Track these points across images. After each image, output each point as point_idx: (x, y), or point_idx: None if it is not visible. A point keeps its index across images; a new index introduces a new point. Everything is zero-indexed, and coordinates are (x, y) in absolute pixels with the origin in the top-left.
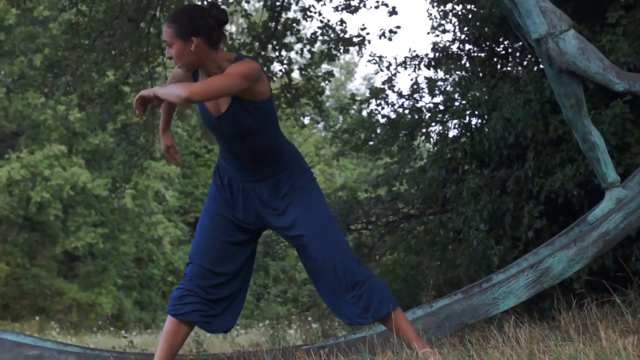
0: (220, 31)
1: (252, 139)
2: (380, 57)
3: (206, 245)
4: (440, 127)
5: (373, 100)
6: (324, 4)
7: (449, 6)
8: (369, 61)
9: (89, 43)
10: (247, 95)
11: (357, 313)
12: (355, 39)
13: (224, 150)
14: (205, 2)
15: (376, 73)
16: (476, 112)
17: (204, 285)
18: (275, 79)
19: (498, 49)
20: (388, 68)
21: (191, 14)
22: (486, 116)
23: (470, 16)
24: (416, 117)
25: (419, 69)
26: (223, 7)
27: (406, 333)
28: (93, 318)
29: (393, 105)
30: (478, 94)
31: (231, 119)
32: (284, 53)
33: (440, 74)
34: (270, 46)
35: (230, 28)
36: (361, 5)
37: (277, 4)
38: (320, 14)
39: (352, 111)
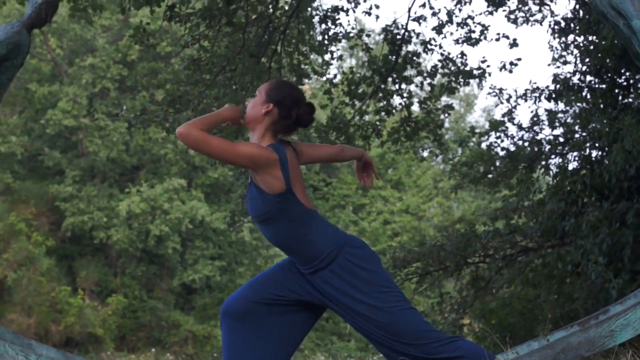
0: (292, 126)
1: (269, 227)
2: (500, 89)
3: (253, 283)
4: (560, 160)
5: (492, 133)
6: (445, 37)
7: (570, 37)
8: (489, 93)
9: (211, 78)
10: (260, 183)
11: None
12: (475, 72)
13: None
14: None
15: (496, 105)
16: (596, 145)
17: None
18: (394, 112)
19: (619, 80)
20: (508, 100)
21: (290, 91)
22: (607, 148)
23: (591, 47)
24: (536, 149)
25: (539, 100)
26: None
27: None
28: (208, 350)
29: (512, 137)
30: (599, 126)
31: (248, 199)
32: (404, 86)
33: (561, 105)
34: (390, 79)
35: (351, 62)
36: (482, 37)
37: (398, 37)
38: (440, 47)
39: (471, 144)
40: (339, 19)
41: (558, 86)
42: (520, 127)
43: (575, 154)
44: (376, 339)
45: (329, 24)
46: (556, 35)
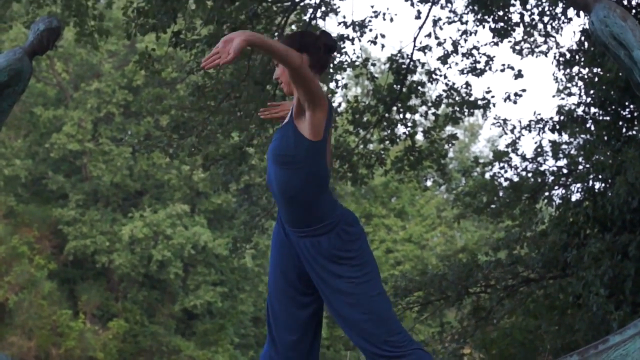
0: (327, 56)
1: (286, 172)
2: (504, 120)
3: (276, 309)
4: (563, 191)
5: (496, 163)
6: (450, 67)
7: (575, 69)
8: (494, 124)
9: (215, 105)
10: (300, 124)
11: None
12: (480, 102)
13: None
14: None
15: (500, 136)
16: (600, 176)
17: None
18: (398, 141)
19: (623, 113)
20: (512, 131)
21: (302, 34)
22: (610, 180)
23: (596, 79)
24: (539, 180)
25: (544, 132)
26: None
27: None
28: None
29: (516, 168)
30: (602, 158)
31: (280, 137)
32: (408, 116)
33: (565, 137)
34: (395, 109)
35: (356, 90)
36: (487, 68)
37: (403, 66)
38: (445, 77)
39: (475, 174)
40: (344, 47)
41: (562, 117)
42: (524, 157)
43: (578, 185)
44: (345, 320)
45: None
46: (561, 66)
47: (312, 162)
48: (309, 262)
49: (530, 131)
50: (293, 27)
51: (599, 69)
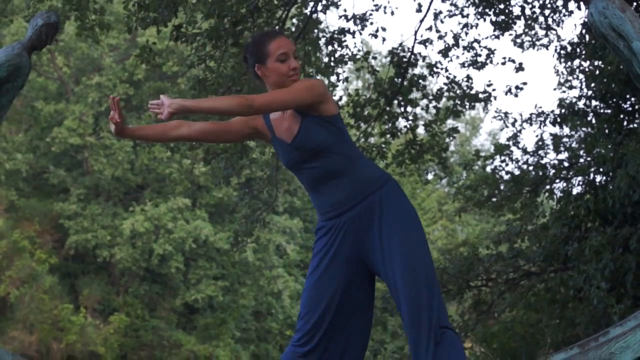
0: None
1: (330, 157)
2: (505, 113)
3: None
4: (564, 184)
5: (497, 157)
6: (451, 60)
7: (576, 62)
8: (495, 117)
9: None
10: (315, 112)
11: None
12: (481, 95)
13: (310, 190)
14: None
15: (501, 129)
16: (601, 170)
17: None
18: (400, 134)
19: (625, 106)
20: (513, 124)
21: (252, 43)
22: (611, 173)
23: (597, 72)
24: (540, 173)
25: (545, 125)
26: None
27: None
28: None
29: (517, 161)
30: (603, 151)
31: (306, 135)
32: (409, 109)
33: (566, 130)
34: (395, 102)
35: (357, 83)
36: (488, 61)
37: (404, 60)
38: (446, 70)
39: (476, 167)
40: (345, 41)
41: (563, 111)
42: (525, 151)
43: (579, 178)
44: (398, 280)
45: (336, 45)
46: (562, 59)
47: (345, 132)
48: (369, 225)
49: (531, 124)
50: (294, 20)
51: (600, 62)
